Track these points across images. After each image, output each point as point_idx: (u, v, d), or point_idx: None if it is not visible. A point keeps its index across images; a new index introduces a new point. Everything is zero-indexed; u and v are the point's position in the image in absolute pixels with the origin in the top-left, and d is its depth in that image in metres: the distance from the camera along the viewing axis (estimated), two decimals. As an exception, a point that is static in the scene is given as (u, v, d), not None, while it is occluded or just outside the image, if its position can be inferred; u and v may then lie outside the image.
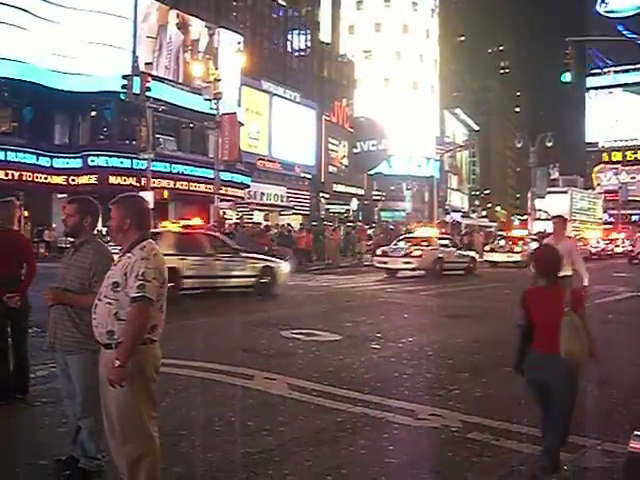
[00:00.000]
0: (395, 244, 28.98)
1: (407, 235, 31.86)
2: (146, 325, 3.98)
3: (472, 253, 31.69)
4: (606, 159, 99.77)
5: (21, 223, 27.41)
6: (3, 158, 33.48)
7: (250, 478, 5.03)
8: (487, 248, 37.88)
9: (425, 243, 27.69)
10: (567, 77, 27.10)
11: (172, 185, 37.95)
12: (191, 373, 8.29)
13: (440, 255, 27.26)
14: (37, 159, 35.21)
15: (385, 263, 27.42)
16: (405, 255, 26.65)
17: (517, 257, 34.40)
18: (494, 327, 13.57)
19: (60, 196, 35.06)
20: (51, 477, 4.75)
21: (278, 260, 20.28)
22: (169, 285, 12.90)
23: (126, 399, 4.02)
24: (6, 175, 33.26)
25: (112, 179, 35.71)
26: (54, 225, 33.37)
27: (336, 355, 9.86)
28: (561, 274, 9.65)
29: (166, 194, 33.86)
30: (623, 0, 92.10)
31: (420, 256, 26.41)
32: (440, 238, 30.35)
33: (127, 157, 35.57)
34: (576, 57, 27.64)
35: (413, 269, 26.54)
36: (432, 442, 6.04)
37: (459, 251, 30.26)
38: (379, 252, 28.40)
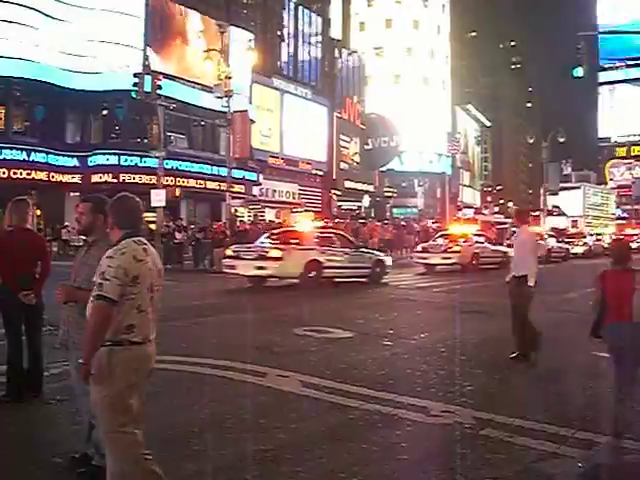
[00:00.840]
0: (434, 240, 30.79)
1: (445, 232, 33.44)
2: (103, 324, 3.94)
3: (504, 248, 32.56)
4: (621, 154, 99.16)
5: (34, 222, 27.53)
6: (15, 157, 33.61)
7: (262, 475, 5.03)
8: (505, 244, 38.38)
9: (462, 239, 29.31)
10: (579, 72, 26.98)
11: (184, 183, 37.94)
12: (203, 371, 8.31)
13: (477, 250, 28.98)
14: (49, 158, 35.33)
15: (425, 259, 28.75)
16: (444, 251, 28.18)
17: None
18: (507, 323, 13.51)
19: (73, 194, 35.19)
20: (65, 474, 4.77)
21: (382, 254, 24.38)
22: (312, 274, 17.16)
23: (96, 399, 4.04)
24: (17, 174, 33.37)
25: (124, 177, 35.82)
26: (66, 223, 33.48)
27: (348, 352, 9.85)
28: (520, 273, 9.63)
29: (178, 192, 33.89)
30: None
31: (459, 252, 27.96)
32: (475, 234, 31.85)
33: (139, 155, 35.65)
34: (588, 52, 27.50)
35: (452, 264, 27.82)
36: (445, 439, 6.03)
37: (493, 246, 31.69)
38: (419, 248, 30.01)
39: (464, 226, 36.09)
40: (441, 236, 31.53)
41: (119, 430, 3.98)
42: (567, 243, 43.26)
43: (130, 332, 3.99)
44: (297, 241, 20.40)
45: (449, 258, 27.89)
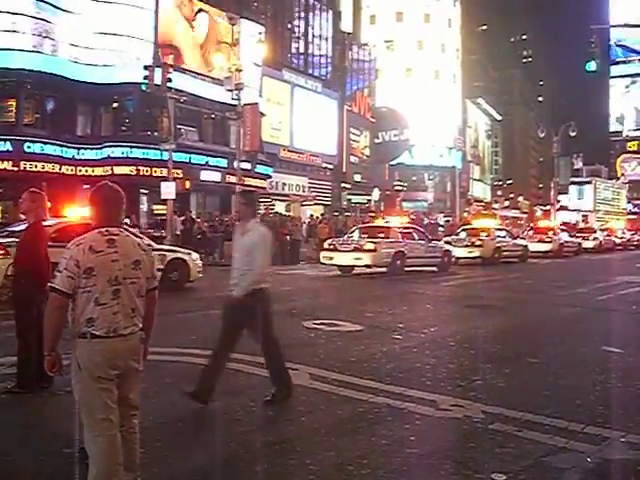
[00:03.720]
0: (457, 234, 31.64)
1: (467, 226, 34.25)
2: (53, 316, 3.94)
3: (525, 242, 34.29)
4: (632, 148, 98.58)
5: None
6: (26, 150, 33.65)
7: (271, 467, 5.04)
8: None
9: (485, 233, 30.23)
10: (592, 66, 26.83)
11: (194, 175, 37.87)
12: (213, 363, 8.31)
13: (498, 245, 29.95)
14: (60, 150, 35.35)
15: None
16: (467, 245, 29.10)
17: (548, 247, 36.83)
18: (517, 318, 13.52)
19: (85, 187, 35.22)
20: (75, 465, 4.78)
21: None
22: (398, 263, 19.53)
23: (75, 392, 4.03)
24: (28, 166, 33.41)
25: (134, 170, 35.82)
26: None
27: (358, 345, 9.85)
28: (254, 286, 6.69)
29: (188, 185, 33.91)
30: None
31: (481, 246, 28.98)
32: (497, 229, 32.98)
33: (149, 148, 35.63)
34: (600, 45, 27.37)
35: (475, 258, 28.82)
36: (454, 433, 6.01)
37: (514, 241, 32.85)
38: (443, 242, 30.44)
39: (484, 220, 37.14)
40: (463, 230, 32.29)
41: (94, 434, 3.94)
42: (579, 238, 43.36)
43: (90, 325, 3.91)
44: (384, 235, 23.34)
45: (472, 252, 28.85)
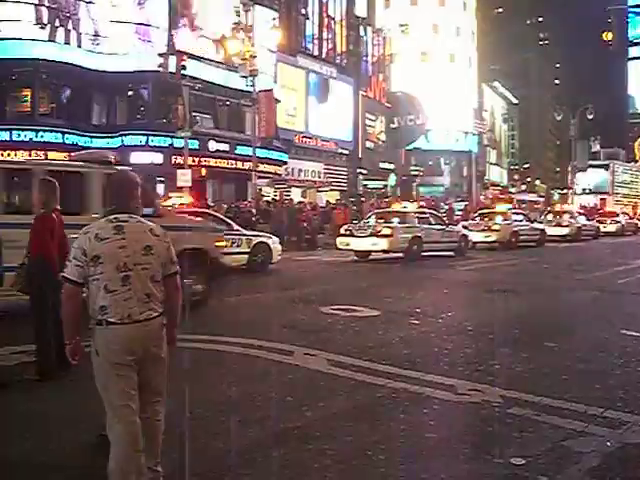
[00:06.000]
0: (474, 219, 31.59)
1: (484, 210, 34.12)
2: (67, 305, 3.98)
3: (542, 226, 34.01)
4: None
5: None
6: (42, 139, 33.79)
7: (289, 453, 5.05)
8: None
9: (502, 218, 30.12)
10: (609, 36, 26.76)
11: (209, 163, 37.88)
12: (231, 349, 8.36)
13: (515, 229, 29.83)
14: (75, 139, 35.46)
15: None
16: (484, 230, 29.06)
17: (565, 230, 36.37)
18: (534, 302, 13.46)
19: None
20: (95, 451, 4.82)
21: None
22: (415, 247, 19.94)
23: (95, 377, 4.04)
24: (44, 156, 33.52)
25: (150, 158, 35.84)
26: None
27: (375, 331, 9.85)
28: None
29: (204, 172, 33.91)
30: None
31: (499, 230, 28.96)
32: (514, 213, 32.85)
33: (165, 136, 35.65)
34: (618, 26, 27.21)
35: (492, 242, 28.81)
36: (472, 417, 6.01)
37: (531, 224, 32.64)
38: (460, 226, 30.33)
39: (503, 204, 37.05)
40: (480, 214, 32.23)
41: (114, 420, 3.96)
42: (598, 222, 43.03)
43: (104, 313, 3.91)
44: (401, 220, 23.28)
45: (489, 236, 28.85)
